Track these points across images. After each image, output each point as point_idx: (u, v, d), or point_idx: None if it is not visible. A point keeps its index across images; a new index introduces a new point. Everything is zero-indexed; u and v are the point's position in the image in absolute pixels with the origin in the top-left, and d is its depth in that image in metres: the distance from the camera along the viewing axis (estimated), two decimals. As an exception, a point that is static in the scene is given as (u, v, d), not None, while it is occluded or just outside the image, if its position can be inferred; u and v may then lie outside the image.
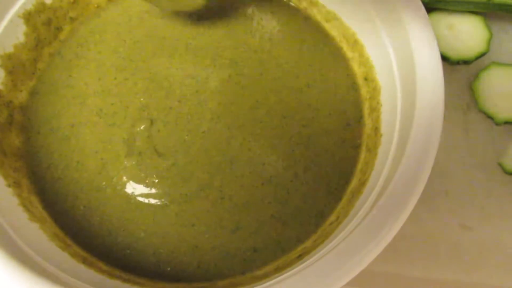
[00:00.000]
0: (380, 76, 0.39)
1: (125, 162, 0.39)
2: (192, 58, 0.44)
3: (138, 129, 0.40)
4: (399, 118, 0.35)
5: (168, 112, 0.41)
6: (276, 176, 0.39)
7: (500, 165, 0.48)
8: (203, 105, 0.41)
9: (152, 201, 0.38)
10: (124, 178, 0.39)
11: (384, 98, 0.38)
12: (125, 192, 0.38)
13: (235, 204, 0.38)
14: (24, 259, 0.30)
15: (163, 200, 0.38)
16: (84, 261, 0.35)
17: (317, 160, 0.39)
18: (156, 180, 0.39)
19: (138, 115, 0.41)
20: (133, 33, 0.45)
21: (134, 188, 0.39)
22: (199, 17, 0.46)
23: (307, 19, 0.45)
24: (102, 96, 0.42)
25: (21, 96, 0.42)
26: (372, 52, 0.41)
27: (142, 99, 0.42)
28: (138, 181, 0.39)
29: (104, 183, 0.39)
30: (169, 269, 0.36)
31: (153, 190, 0.38)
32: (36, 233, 0.35)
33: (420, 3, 0.35)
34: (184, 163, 0.39)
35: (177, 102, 0.42)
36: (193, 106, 0.41)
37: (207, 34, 0.45)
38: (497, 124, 0.49)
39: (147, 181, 0.39)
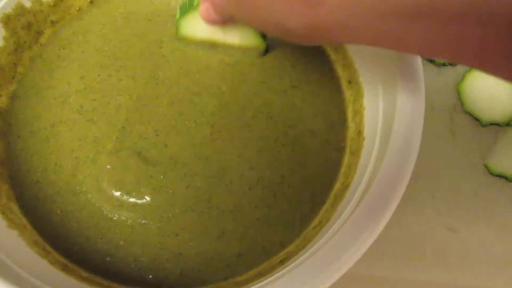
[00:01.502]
0: (364, 80, 0.39)
1: (100, 164, 0.38)
2: (176, 61, 0.43)
3: (116, 128, 0.40)
4: (381, 122, 0.34)
5: (150, 117, 0.40)
6: (263, 179, 0.38)
7: (486, 166, 0.48)
8: (188, 115, 0.41)
9: (129, 217, 0.37)
10: (99, 184, 0.38)
11: (367, 101, 0.38)
12: (100, 200, 0.38)
13: (222, 211, 0.37)
14: (1, 269, 0.30)
15: (140, 221, 0.37)
16: (64, 269, 0.34)
17: (303, 162, 0.39)
18: (134, 194, 0.38)
19: (116, 114, 0.40)
20: (119, 33, 0.45)
21: (108, 199, 0.38)
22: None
23: None
24: (84, 93, 0.42)
25: (1, 101, 0.41)
26: (355, 56, 0.40)
27: (122, 97, 0.41)
28: (114, 188, 0.38)
29: (78, 187, 0.38)
30: (150, 276, 0.36)
31: (130, 207, 0.37)
32: (15, 241, 0.34)
33: None
34: (170, 180, 0.38)
35: (159, 107, 0.41)
36: (175, 115, 0.41)
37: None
38: (483, 125, 0.49)
39: (125, 191, 0.38)
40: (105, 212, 0.37)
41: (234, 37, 0.41)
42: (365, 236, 0.28)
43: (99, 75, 0.42)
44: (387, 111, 0.34)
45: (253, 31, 0.41)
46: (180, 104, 0.41)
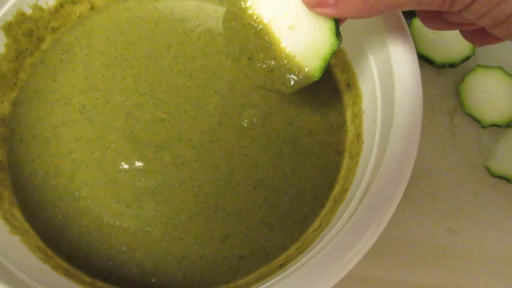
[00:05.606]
0: (362, 83, 0.39)
1: (93, 171, 0.39)
2: (182, 65, 0.44)
3: (114, 127, 0.40)
4: (379, 125, 0.34)
5: (152, 117, 0.40)
6: (266, 178, 0.39)
7: (486, 167, 0.48)
8: (190, 119, 0.41)
9: (131, 224, 0.37)
10: (95, 192, 0.38)
11: (366, 105, 0.38)
12: (99, 207, 0.38)
13: (228, 213, 0.38)
14: (3, 275, 0.30)
15: (144, 228, 0.37)
16: (66, 274, 0.35)
17: (303, 161, 0.40)
18: (134, 202, 0.38)
19: (111, 113, 0.41)
20: (125, 36, 0.45)
21: (108, 207, 0.38)
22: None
23: None
24: (87, 93, 0.42)
25: (3, 108, 0.41)
26: (353, 59, 0.40)
27: (120, 97, 0.42)
28: (112, 199, 0.38)
29: (77, 192, 0.38)
30: (153, 280, 0.36)
31: (132, 216, 0.38)
32: (17, 246, 0.35)
33: (400, 13, 0.35)
34: (176, 194, 0.38)
35: (161, 107, 0.41)
36: (177, 116, 0.41)
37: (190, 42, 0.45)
38: (484, 126, 0.49)
39: (125, 204, 0.38)
40: (106, 219, 0.37)
41: (303, 34, 0.32)
42: (367, 236, 0.28)
43: (103, 75, 0.43)
44: (385, 114, 0.34)
45: (329, 27, 0.31)
46: (182, 105, 0.41)
